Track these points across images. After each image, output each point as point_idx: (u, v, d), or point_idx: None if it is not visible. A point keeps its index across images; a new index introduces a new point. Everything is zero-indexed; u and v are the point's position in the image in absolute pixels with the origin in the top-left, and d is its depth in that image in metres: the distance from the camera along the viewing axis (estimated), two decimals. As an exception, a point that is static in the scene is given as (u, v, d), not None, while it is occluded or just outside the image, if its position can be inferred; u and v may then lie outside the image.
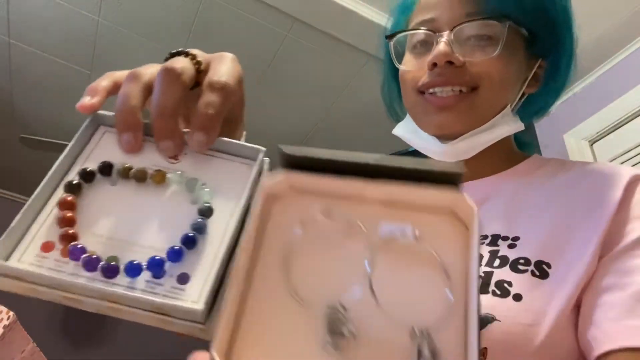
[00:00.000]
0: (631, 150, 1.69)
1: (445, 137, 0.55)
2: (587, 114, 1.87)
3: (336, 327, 0.22)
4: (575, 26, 0.57)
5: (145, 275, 0.25)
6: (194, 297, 0.24)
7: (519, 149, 0.62)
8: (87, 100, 0.34)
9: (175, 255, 0.25)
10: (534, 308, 0.43)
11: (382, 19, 1.74)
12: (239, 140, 0.35)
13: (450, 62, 0.51)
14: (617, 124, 1.76)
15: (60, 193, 0.28)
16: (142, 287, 0.25)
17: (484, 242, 0.50)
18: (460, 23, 0.51)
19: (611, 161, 1.75)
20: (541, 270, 0.45)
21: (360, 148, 2.60)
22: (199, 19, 1.83)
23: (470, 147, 0.54)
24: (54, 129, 2.44)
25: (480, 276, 0.42)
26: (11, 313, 0.57)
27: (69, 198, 0.28)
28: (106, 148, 0.32)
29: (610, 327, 0.40)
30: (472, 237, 0.23)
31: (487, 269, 0.47)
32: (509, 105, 0.55)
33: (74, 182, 0.29)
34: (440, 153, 0.55)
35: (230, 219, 0.27)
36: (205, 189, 0.29)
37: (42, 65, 2.08)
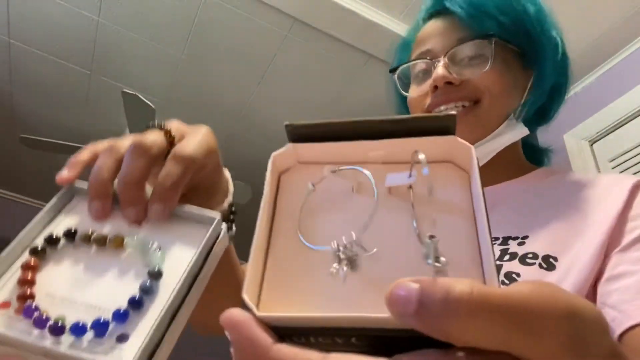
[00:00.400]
0: (631, 150, 1.69)
1: None
2: (587, 114, 1.87)
3: (345, 256, 0.24)
4: (557, 35, 0.62)
5: (90, 334, 0.27)
6: (128, 356, 0.26)
7: (534, 159, 0.66)
8: (64, 174, 0.36)
9: (120, 317, 0.28)
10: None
11: (382, 19, 1.75)
12: (222, 203, 0.41)
13: (449, 83, 0.56)
14: (617, 124, 1.76)
15: (26, 256, 0.31)
16: (84, 346, 0.27)
17: (495, 243, 0.52)
18: (451, 48, 0.57)
19: (611, 161, 1.75)
20: (548, 263, 0.48)
21: (360, 148, 2.60)
22: (199, 19, 1.83)
23: (481, 156, 0.57)
24: (53, 128, 2.44)
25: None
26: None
27: (32, 261, 0.30)
28: (77, 215, 0.35)
29: (627, 308, 0.42)
30: (472, 172, 0.25)
31: (497, 262, 0.50)
32: (513, 114, 0.59)
33: (39, 247, 0.31)
34: None
35: (178, 280, 0.29)
36: (158, 252, 0.31)
37: (42, 65, 2.08)
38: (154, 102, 2.17)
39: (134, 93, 1.90)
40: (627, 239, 0.47)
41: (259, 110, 2.24)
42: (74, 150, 2.58)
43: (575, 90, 1.99)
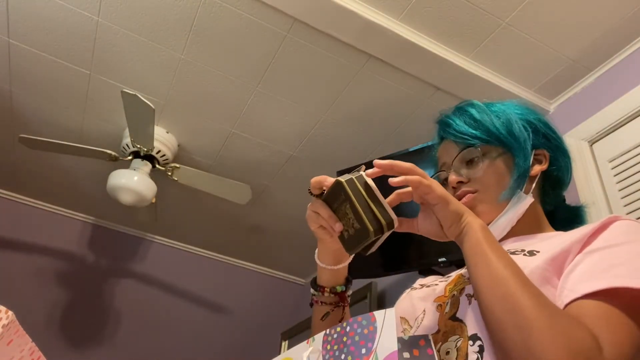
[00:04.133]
0: (631, 150, 1.69)
1: None
2: (587, 115, 1.87)
3: None
4: (525, 129, 0.82)
5: None
6: None
7: (567, 220, 0.87)
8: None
9: None
10: (520, 265, 0.62)
11: (383, 20, 1.75)
12: None
13: (460, 182, 0.81)
14: (617, 124, 1.76)
15: None
16: None
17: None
18: (454, 158, 0.83)
19: (611, 161, 1.75)
20: (531, 254, 0.68)
21: (359, 148, 2.60)
22: (199, 19, 1.83)
23: (501, 228, 0.78)
24: (53, 128, 2.44)
25: None
26: (10, 312, 0.57)
27: None
28: None
29: (578, 287, 0.59)
30: None
31: None
32: (518, 190, 0.79)
33: None
34: None
35: None
36: None
37: (42, 65, 2.08)
38: (154, 102, 2.17)
39: (134, 93, 1.90)
40: (592, 247, 0.63)
41: (259, 110, 2.24)
42: (73, 150, 2.58)
43: (575, 90, 1.99)
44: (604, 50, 1.84)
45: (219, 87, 2.12)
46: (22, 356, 0.59)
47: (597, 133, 1.81)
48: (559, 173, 0.85)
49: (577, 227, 0.79)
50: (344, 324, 0.56)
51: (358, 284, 2.62)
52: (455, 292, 0.69)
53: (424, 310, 0.73)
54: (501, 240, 0.80)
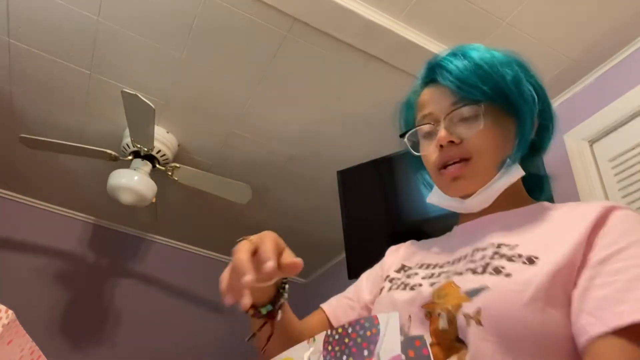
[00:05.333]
0: (631, 150, 1.69)
1: (464, 196, 0.73)
2: (587, 114, 1.87)
3: None
4: (533, 89, 0.73)
5: None
6: None
7: (537, 188, 0.79)
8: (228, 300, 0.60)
9: None
10: (521, 281, 0.56)
11: (383, 20, 1.75)
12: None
13: (451, 142, 0.70)
14: (617, 124, 1.76)
15: None
16: None
17: (491, 245, 0.65)
18: (448, 113, 0.71)
19: (611, 161, 1.75)
20: (530, 261, 0.59)
21: (359, 148, 2.60)
22: (199, 19, 1.83)
23: (485, 200, 0.72)
24: (53, 129, 2.44)
25: (482, 266, 0.62)
26: (10, 312, 0.57)
27: None
28: None
29: (604, 314, 0.52)
30: None
31: (488, 260, 0.62)
32: (508, 159, 0.70)
33: None
34: (463, 208, 0.74)
35: None
36: None
37: (42, 65, 2.08)
38: (154, 102, 2.17)
39: (134, 93, 1.90)
40: (604, 253, 0.57)
41: (259, 110, 2.24)
42: (73, 150, 2.58)
43: (575, 90, 1.99)
44: (604, 50, 1.84)
45: (219, 87, 2.12)
46: (22, 355, 0.59)
47: (597, 132, 1.81)
48: (544, 143, 0.77)
49: (543, 197, 0.78)
50: (346, 325, 0.56)
51: (358, 283, 2.62)
52: (449, 307, 0.60)
53: (410, 317, 0.64)
54: (481, 213, 0.73)
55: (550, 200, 0.77)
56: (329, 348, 0.57)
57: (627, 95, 1.74)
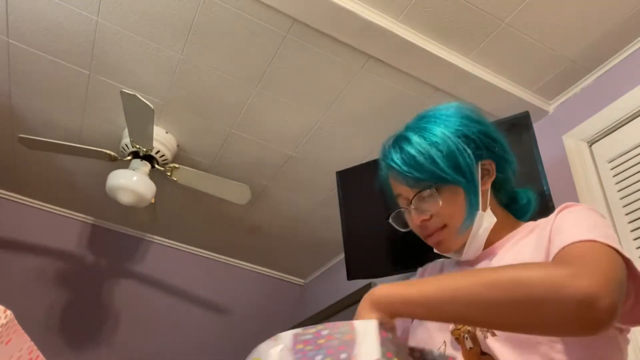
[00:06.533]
0: (630, 151, 1.69)
1: (455, 251, 0.87)
2: (586, 115, 1.88)
3: None
4: (469, 158, 0.83)
5: None
6: None
7: (522, 211, 0.92)
8: None
9: None
10: None
11: (382, 20, 1.75)
12: None
13: (424, 220, 0.84)
14: (617, 125, 1.76)
15: None
16: None
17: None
18: (411, 199, 0.85)
19: (610, 162, 1.75)
20: None
21: (359, 148, 2.59)
22: (199, 19, 1.83)
23: (475, 250, 0.85)
24: (52, 129, 2.44)
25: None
26: (9, 312, 0.57)
27: None
28: None
29: (556, 244, 0.68)
30: None
31: None
32: (479, 211, 0.83)
33: None
34: (463, 258, 0.88)
35: None
36: None
37: (41, 65, 2.08)
38: (153, 102, 2.17)
39: (133, 93, 1.90)
40: (552, 238, 0.72)
41: (259, 110, 2.24)
42: (73, 150, 2.58)
43: (574, 91, 1.99)
44: (603, 50, 1.84)
45: (219, 87, 2.12)
46: (20, 355, 0.59)
47: (596, 134, 1.82)
48: (506, 175, 0.89)
49: (528, 216, 0.91)
50: (320, 327, 0.57)
51: (357, 284, 2.62)
52: (469, 329, 0.72)
53: (444, 342, 0.76)
54: (476, 260, 0.86)
55: (543, 208, 0.90)
56: (299, 347, 0.57)
57: (626, 96, 1.74)
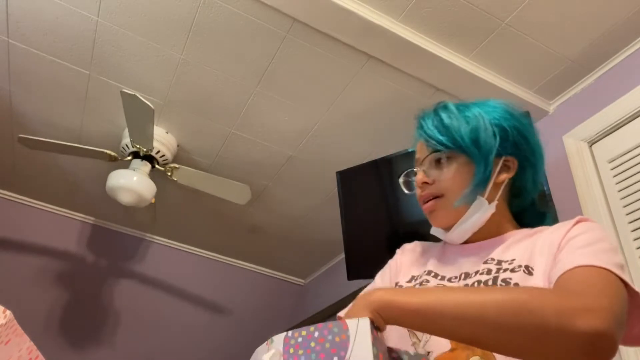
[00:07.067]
0: (630, 151, 1.69)
1: (444, 228, 0.87)
2: (586, 116, 1.87)
3: None
4: (492, 138, 0.84)
5: None
6: None
7: (534, 221, 0.90)
8: None
9: None
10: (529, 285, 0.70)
11: (382, 20, 1.75)
12: None
13: (425, 182, 0.86)
14: (617, 125, 1.76)
15: None
16: None
17: (491, 263, 0.78)
18: (423, 159, 0.88)
19: (610, 162, 1.75)
20: (529, 271, 0.72)
21: (359, 148, 2.59)
22: (199, 19, 1.83)
23: (461, 234, 0.85)
24: (52, 129, 2.44)
25: (492, 279, 0.74)
26: (8, 312, 0.57)
27: None
28: None
29: (566, 263, 0.67)
30: None
31: (494, 274, 0.74)
32: (480, 197, 0.83)
33: None
34: (446, 238, 0.88)
35: None
36: None
37: (41, 65, 2.08)
38: (153, 103, 2.17)
39: (133, 93, 1.90)
40: (564, 243, 0.72)
41: (259, 110, 2.24)
42: (73, 150, 2.58)
43: (574, 91, 1.99)
44: (603, 50, 1.84)
45: (219, 87, 2.12)
46: (20, 355, 0.59)
47: (596, 134, 1.81)
48: (521, 183, 0.88)
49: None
50: (311, 329, 0.55)
51: (357, 284, 2.61)
52: None
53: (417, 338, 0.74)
54: (462, 244, 0.86)
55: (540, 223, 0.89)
56: (291, 351, 0.55)
57: (627, 96, 1.74)
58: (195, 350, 3.16)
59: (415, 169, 0.90)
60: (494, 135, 0.84)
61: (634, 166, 1.66)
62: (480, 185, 0.83)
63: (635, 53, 1.80)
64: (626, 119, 1.73)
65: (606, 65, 1.88)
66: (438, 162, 0.85)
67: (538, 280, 0.70)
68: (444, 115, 0.87)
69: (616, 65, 1.86)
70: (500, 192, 0.85)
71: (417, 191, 0.88)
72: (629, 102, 1.73)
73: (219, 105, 2.22)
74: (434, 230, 0.90)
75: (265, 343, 0.59)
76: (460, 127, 0.84)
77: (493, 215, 0.84)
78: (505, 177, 0.85)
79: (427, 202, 0.86)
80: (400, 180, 0.95)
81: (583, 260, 0.66)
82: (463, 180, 0.83)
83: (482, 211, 0.83)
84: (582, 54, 1.86)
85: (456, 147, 0.83)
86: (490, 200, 0.84)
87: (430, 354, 0.70)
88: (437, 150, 0.85)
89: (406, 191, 0.94)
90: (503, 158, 0.85)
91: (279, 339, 0.57)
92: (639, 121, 1.70)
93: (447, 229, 0.86)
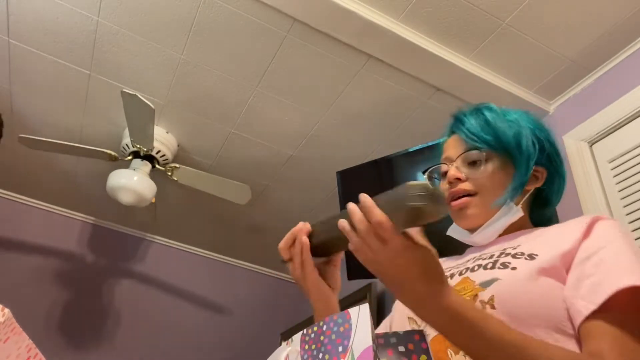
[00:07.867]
0: (630, 151, 1.69)
1: (469, 229, 0.86)
2: (587, 116, 1.87)
3: None
4: (532, 145, 0.85)
5: None
6: None
7: (541, 223, 0.89)
8: None
9: None
10: (527, 272, 0.68)
11: (382, 20, 1.75)
12: None
13: (457, 179, 0.84)
14: (617, 125, 1.76)
15: None
16: None
17: (497, 251, 0.77)
18: (459, 156, 0.86)
19: (610, 162, 1.75)
20: (531, 257, 0.71)
21: (359, 148, 2.59)
22: (199, 19, 1.83)
23: (488, 236, 0.84)
24: (53, 129, 2.44)
25: (491, 263, 0.74)
26: (6, 310, 0.57)
27: None
28: None
29: (595, 298, 0.63)
30: None
31: (495, 258, 0.74)
32: (509, 201, 0.82)
33: None
34: (471, 241, 0.87)
35: None
36: None
37: (42, 65, 2.08)
38: (154, 102, 2.17)
39: (134, 93, 1.90)
40: (587, 252, 0.69)
41: (259, 110, 2.24)
42: (73, 150, 2.58)
43: (574, 91, 1.99)
44: (603, 50, 1.84)
45: (219, 87, 2.12)
46: (19, 353, 0.59)
47: (596, 134, 1.81)
48: (549, 194, 0.89)
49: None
50: (321, 323, 0.57)
51: (357, 284, 2.62)
52: (468, 297, 0.70)
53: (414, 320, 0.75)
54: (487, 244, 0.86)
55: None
56: (306, 347, 0.57)
57: (627, 96, 1.74)
58: (195, 350, 3.16)
59: (444, 165, 0.89)
60: (533, 143, 0.85)
61: (634, 166, 1.66)
62: (517, 189, 0.83)
63: (635, 53, 1.80)
64: (626, 119, 1.72)
65: (606, 65, 1.88)
66: (472, 162, 0.84)
67: (538, 262, 0.69)
68: (488, 115, 0.87)
69: (616, 65, 1.86)
70: (524, 199, 0.85)
71: (444, 187, 0.87)
72: (629, 102, 1.73)
73: (219, 105, 2.22)
74: (454, 231, 0.88)
75: (285, 342, 0.61)
76: (505, 129, 0.84)
77: (519, 220, 0.84)
78: (533, 185, 0.86)
79: (458, 198, 0.84)
80: (425, 175, 0.94)
81: (621, 281, 0.62)
82: (500, 181, 0.83)
83: (511, 214, 0.83)
84: (582, 54, 1.86)
85: (499, 148, 0.83)
86: (517, 203, 0.84)
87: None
88: (476, 148, 0.84)
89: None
90: (534, 168, 0.85)
91: (297, 337, 0.60)
92: (639, 121, 1.70)
93: (471, 230, 0.85)
